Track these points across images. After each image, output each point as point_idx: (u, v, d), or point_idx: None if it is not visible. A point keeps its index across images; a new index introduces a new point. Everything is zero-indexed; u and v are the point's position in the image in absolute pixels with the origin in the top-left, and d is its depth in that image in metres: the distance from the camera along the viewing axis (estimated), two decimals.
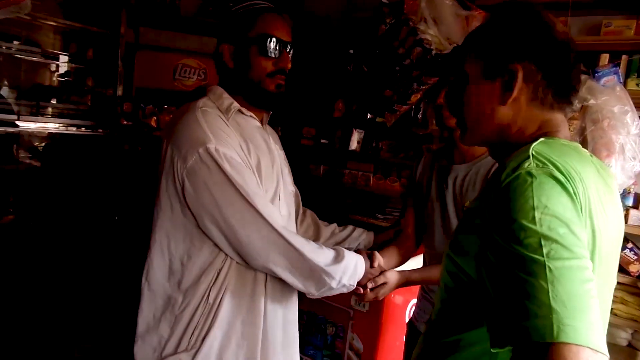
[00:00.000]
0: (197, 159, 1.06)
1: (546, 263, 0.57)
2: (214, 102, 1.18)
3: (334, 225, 1.51)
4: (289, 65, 1.20)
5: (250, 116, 1.22)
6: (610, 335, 2.04)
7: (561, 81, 0.75)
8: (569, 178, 0.64)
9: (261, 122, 1.26)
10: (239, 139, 1.14)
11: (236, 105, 1.18)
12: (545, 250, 0.58)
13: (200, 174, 1.06)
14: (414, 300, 1.99)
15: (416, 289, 2.00)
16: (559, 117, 0.77)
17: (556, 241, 0.58)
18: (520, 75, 0.73)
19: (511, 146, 0.76)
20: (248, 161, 1.13)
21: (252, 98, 1.21)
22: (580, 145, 0.78)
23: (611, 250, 0.74)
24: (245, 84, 1.19)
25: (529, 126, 0.76)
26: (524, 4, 0.77)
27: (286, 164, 1.36)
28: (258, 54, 1.16)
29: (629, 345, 2.11)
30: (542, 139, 0.72)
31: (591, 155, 0.79)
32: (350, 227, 1.50)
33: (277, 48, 1.17)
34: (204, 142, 1.06)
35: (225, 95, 1.20)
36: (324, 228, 1.49)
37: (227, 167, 1.06)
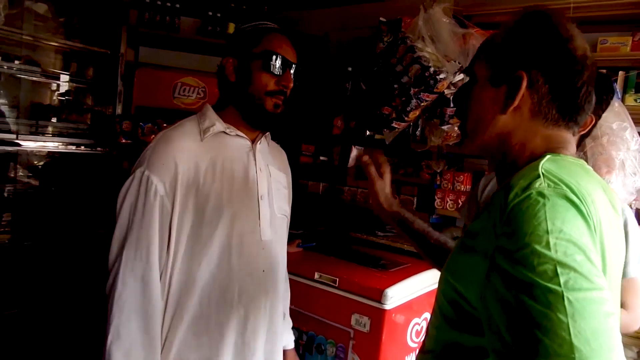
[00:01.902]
0: (132, 177, 1.11)
1: (565, 294, 0.52)
2: (198, 120, 1.19)
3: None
4: (291, 85, 1.19)
5: (237, 135, 1.20)
6: None
7: (568, 97, 0.71)
8: (582, 200, 0.59)
9: (253, 141, 1.23)
10: (199, 160, 1.13)
11: (218, 127, 1.17)
12: (562, 280, 0.52)
13: (129, 191, 1.11)
14: (416, 319, 1.96)
15: (419, 307, 1.97)
16: (564, 134, 0.73)
17: (574, 269, 0.53)
18: (524, 83, 0.70)
19: (512, 163, 0.73)
20: (198, 182, 1.12)
21: (248, 114, 1.20)
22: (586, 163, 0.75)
23: (617, 274, 0.71)
24: (244, 99, 1.18)
25: (531, 140, 0.72)
26: (545, 14, 0.73)
27: (283, 187, 1.32)
28: (261, 69, 1.16)
29: None
30: (549, 156, 0.67)
31: None
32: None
33: (281, 66, 1.17)
34: (140, 164, 1.11)
35: (211, 114, 1.20)
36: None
37: (142, 195, 1.09)
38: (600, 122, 1.89)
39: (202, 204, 1.12)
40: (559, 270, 0.53)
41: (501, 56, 0.74)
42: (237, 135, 1.20)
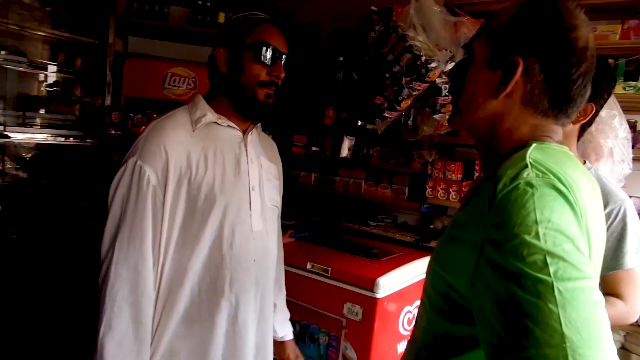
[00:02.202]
0: (124, 167, 1.10)
1: (554, 284, 0.52)
2: (189, 110, 1.19)
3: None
4: (282, 75, 1.19)
5: (229, 126, 1.20)
6: None
7: (560, 89, 0.69)
8: (569, 189, 0.59)
9: (244, 132, 1.23)
10: (190, 151, 1.12)
11: (210, 117, 1.17)
12: (552, 269, 0.52)
13: (121, 181, 1.10)
14: (408, 308, 1.98)
15: (410, 296, 1.99)
16: (552, 125, 0.72)
17: (563, 259, 0.53)
18: (519, 70, 0.69)
19: (498, 149, 0.73)
20: (190, 172, 1.11)
21: (239, 105, 1.20)
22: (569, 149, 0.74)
23: (599, 260, 0.71)
24: (235, 90, 1.18)
25: (518, 128, 0.71)
26: (553, 1, 0.71)
27: (274, 178, 1.32)
28: (252, 59, 1.16)
29: (622, 347, 2.12)
30: (535, 144, 0.67)
31: None
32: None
33: (272, 56, 1.17)
34: (133, 154, 1.11)
35: (202, 105, 1.19)
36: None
37: (134, 185, 1.08)
38: None
39: (193, 195, 1.12)
40: (549, 260, 0.53)
41: (501, 38, 0.72)
42: (228, 125, 1.20)
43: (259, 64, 1.16)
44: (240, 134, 1.22)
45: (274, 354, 1.37)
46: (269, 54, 1.16)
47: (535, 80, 0.69)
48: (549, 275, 0.52)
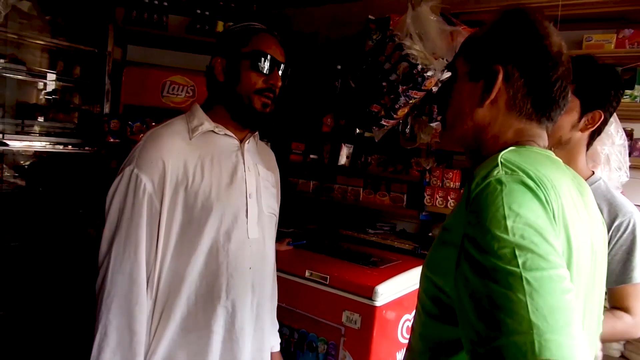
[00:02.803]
0: (121, 176, 1.11)
1: (523, 274, 0.54)
2: (187, 119, 1.20)
3: None
4: (279, 84, 1.20)
5: (225, 135, 1.21)
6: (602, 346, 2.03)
7: (542, 91, 0.74)
8: (540, 185, 0.62)
9: (242, 140, 1.24)
10: (187, 159, 1.13)
11: (207, 126, 1.18)
12: (520, 261, 0.55)
13: (118, 189, 1.11)
14: (407, 316, 1.97)
15: (409, 303, 1.99)
16: (536, 129, 0.75)
17: (531, 250, 0.55)
18: (500, 77, 0.73)
19: (486, 155, 0.75)
20: (187, 180, 1.12)
21: (237, 114, 1.21)
22: (554, 154, 0.77)
23: (594, 259, 0.72)
24: (233, 98, 1.19)
25: (504, 134, 0.75)
26: (523, 12, 0.76)
27: (271, 186, 1.33)
28: (249, 68, 1.17)
29: (622, 356, 2.11)
30: (512, 148, 0.70)
31: (567, 168, 0.78)
32: None
33: (269, 65, 1.18)
34: (129, 162, 1.12)
35: (200, 114, 1.20)
36: None
37: (130, 193, 1.09)
38: None
39: (190, 202, 1.12)
40: (517, 252, 0.55)
41: (479, 52, 0.77)
42: (225, 134, 1.21)
43: (256, 73, 1.17)
44: (237, 142, 1.23)
45: None
46: (265, 63, 1.17)
47: (516, 85, 0.73)
48: (518, 267, 0.54)
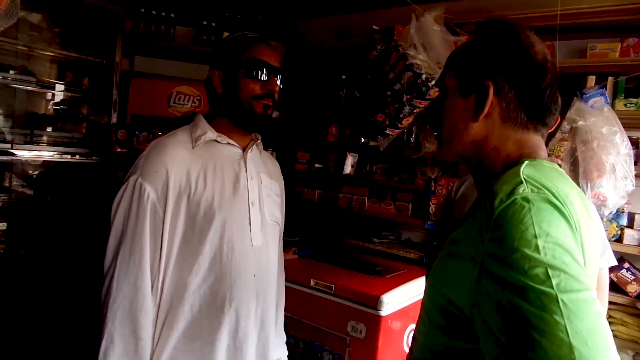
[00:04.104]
0: (126, 185, 1.13)
1: (558, 296, 0.53)
2: (190, 129, 1.23)
3: None
4: (277, 89, 1.23)
5: (228, 144, 1.23)
6: None
7: (533, 100, 0.74)
8: (563, 203, 0.61)
9: (245, 149, 1.26)
10: (190, 168, 1.15)
11: (210, 135, 1.20)
12: (554, 282, 0.54)
13: (123, 198, 1.13)
14: (412, 325, 1.96)
15: (414, 313, 1.98)
16: (534, 138, 0.76)
17: (564, 271, 0.55)
18: (491, 92, 0.73)
19: (489, 167, 0.75)
20: (189, 189, 1.13)
21: (239, 120, 1.23)
22: (558, 166, 0.77)
23: (595, 272, 0.72)
24: (233, 106, 1.22)
25: (504, 145, 0.75)
26: (504, 23, 0.77)
27: (275, 194, 1.33)
28: (246, 76, 1.20)
29: None
30: (527, 162, 0.70)
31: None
32: None
33: (265, 72, 1.21)
34: (134, 171, 1.14)
35: (203, 124, 1.23)
36: None
37: (135, 202, 1.11)
38: (591, 126, 1.91)
39: (193, 211, 1.14)
40: (550, 272, 0.54)
41: (467, 67, 0.77)
42: (228, 143, 1.23)
43: (253, 80, 1.20)
44: (239, 151, 1.25)
45: None
46: (262, 69, 1.21)
47: (507, 97, 0.74)
48: (552, 288, 0.53)
